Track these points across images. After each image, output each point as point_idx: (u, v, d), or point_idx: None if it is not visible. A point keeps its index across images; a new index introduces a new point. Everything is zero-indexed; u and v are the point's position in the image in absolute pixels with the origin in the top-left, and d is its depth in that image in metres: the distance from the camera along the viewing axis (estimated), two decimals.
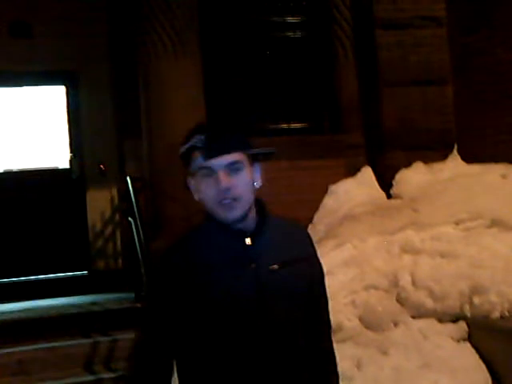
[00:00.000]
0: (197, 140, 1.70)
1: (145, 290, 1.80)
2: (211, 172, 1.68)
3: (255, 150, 1.73)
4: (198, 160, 1.71)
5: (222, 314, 1.67)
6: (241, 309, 1.67)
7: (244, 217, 1.71)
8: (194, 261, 1.71)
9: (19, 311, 5.10)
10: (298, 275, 1.75)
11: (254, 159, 1.74)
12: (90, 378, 4.17)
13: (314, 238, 4.58)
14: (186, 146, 1.73)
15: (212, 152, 1.67)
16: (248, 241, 1.71)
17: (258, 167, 1.76)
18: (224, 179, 1.66)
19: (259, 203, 1.77)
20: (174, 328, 1.71)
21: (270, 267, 1.71)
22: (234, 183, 1.67)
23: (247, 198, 1.70)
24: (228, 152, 1.68)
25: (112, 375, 4.17)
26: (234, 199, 1.68)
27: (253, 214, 1.74)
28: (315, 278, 1.81)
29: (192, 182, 1.76)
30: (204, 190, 1.71)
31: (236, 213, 1.69)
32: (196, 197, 1.75)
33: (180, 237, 1.79)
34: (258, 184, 1.75)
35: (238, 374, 1.68)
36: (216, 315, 1.67)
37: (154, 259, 1.83)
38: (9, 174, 6.77)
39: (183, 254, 1.73)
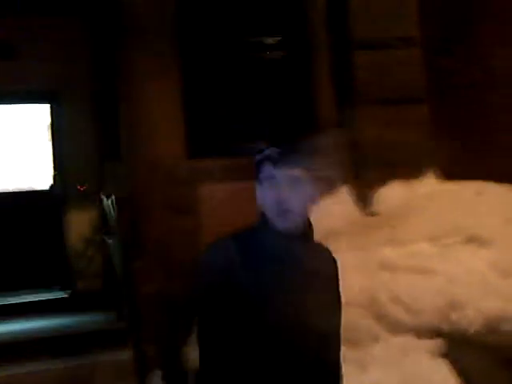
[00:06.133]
0: (270, 151, 1.85)
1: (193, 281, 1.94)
2: (274, 182, 1.83)
3: (318, 170, 1.88)
4: (267, 170, 1.85)
5: (254, 309, 1.81)
6: (273, 307, 1.82)
7: (295, 228, 1.86)
8: (241, 255, 1.85)
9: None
10: (327, 291, 1.96)
11: (316, 178, 1.88)
12: None
13: None
14: (259, 156, 1.89)
15: (278, 163, 1.83)
16: (291, 246, 1.87)
17: (318, 186, 1.89)
18: (283, 191, 1.81)
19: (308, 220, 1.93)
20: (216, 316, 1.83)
21: (305, 276, 1.88)
22: (291, 196, 1.82)
23: (300, 213, 1.85)
24: (293, 166, 1.82)
25: None
26: (287, 211, 1.82)
27: (302, 227, 1.90)
28: (337, 302, 2.01)
29: (258, 190, 1.90)
30: (265, 198, 1.86)
31: (287, 224, 1.84)
32: (259, 202, 1.90)
33: (234, 232, 1.94)
34: (314, 202, 1.90)
35: (254, 368, 1.81)
36: (248, 310, 1.81)
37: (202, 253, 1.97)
38: None
39: (234, 247, 1.87)
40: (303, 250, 1.91)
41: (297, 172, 1.82)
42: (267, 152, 1.87)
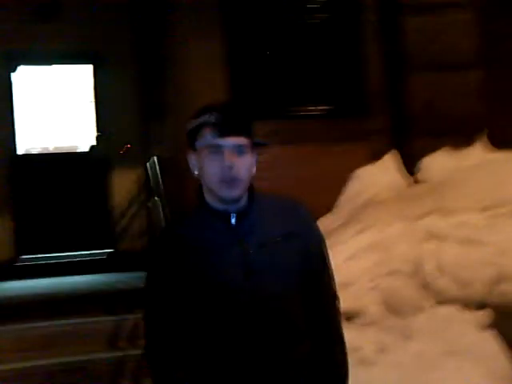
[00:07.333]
0: (209, 117, 1.77)
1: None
2: (219, 150, 1.75)
3: (257, 139, 1.83)
4: (207, 137, 1.77)
5: (212, 293, 1.75)
6: (230, 288, 1.75)
7: (239, 199, 1.80)
8: (185, 243, 1.79)
9: (48, 287, 5.24)
10: (287, 251, 1.81)
11: (254, 147, 1.83)
12: (116, 353, 4.26)
13: (338, 222, 4.51)
14: (197, 121, 1.80)
15: (224, 131, 1.75)
16: (233, 221, 1.79)
17: (256, 155, 1.84)
18: (230, 158, 1.74)
19: (250, 187, 1.84)
20: (174, 306, 1.78)
21: (257, 245, 1.77)
22: (237, 163, 1.75)
23: (246, 181, 1.79)
24: (239, 134, 1.76)
25: (136, 351, 4.25)
26: (235, 179, 1.75)
27: (245, 198, 1.83)
28: (310, 253, 1.86)
29: (194, 158, 1.83)
30: (208, 167, 1.77)
31: (234, 192, 1.77)
32: (196, 172, 1.83)
33: (173, 220, 1.88)
34: (253, 171, 1.83)
35: (232, 351, 1.75)
36: (207, 295, 1.75)
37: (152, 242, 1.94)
38: (37, 155, 6.87)
39: (176, 236, 1.83)
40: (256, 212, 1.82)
41: (242, 140, 1.77)
42: (207, 118, 1.77)
